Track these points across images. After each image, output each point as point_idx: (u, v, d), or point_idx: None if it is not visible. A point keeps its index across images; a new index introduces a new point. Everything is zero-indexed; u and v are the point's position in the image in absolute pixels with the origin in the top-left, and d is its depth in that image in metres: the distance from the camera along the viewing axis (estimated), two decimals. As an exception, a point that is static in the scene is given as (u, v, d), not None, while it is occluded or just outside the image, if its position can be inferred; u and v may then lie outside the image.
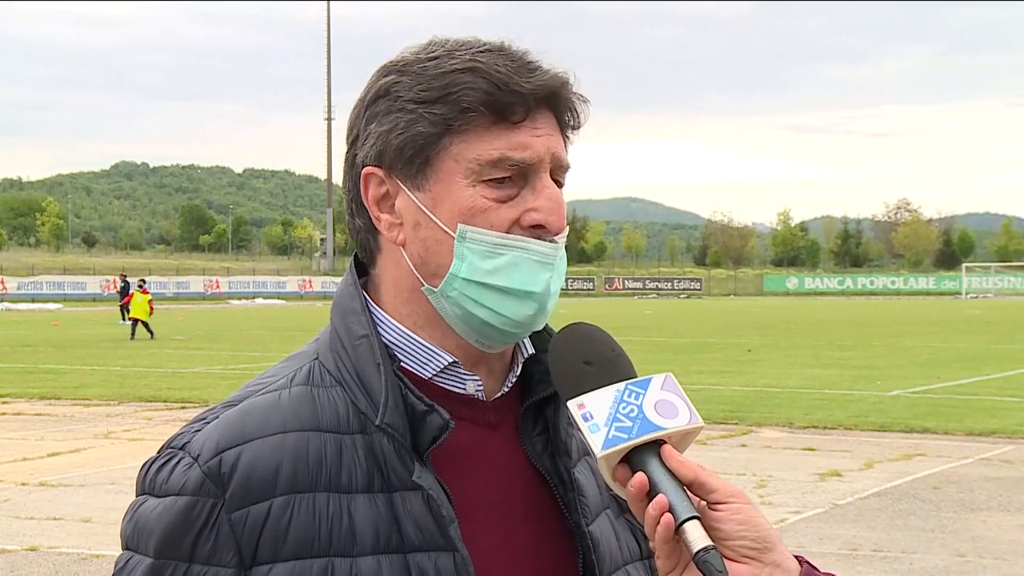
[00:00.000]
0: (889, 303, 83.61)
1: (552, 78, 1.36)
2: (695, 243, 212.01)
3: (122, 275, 57.01)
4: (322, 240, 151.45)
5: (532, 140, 1.34)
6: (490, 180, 1.33)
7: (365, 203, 1.39)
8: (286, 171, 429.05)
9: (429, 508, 1.31)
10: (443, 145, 1.34)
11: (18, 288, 78.86)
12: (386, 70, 1.38)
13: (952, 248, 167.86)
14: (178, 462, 1.32)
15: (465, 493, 1.34)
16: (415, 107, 1.34)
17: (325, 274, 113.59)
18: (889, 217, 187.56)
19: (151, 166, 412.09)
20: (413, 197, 1.36)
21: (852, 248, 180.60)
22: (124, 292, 51.92)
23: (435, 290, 1.36)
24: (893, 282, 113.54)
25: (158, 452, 1.36)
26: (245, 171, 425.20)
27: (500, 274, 1.34)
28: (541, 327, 1.40)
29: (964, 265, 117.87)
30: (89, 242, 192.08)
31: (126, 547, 1.34)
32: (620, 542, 1.46)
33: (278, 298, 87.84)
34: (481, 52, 1.35)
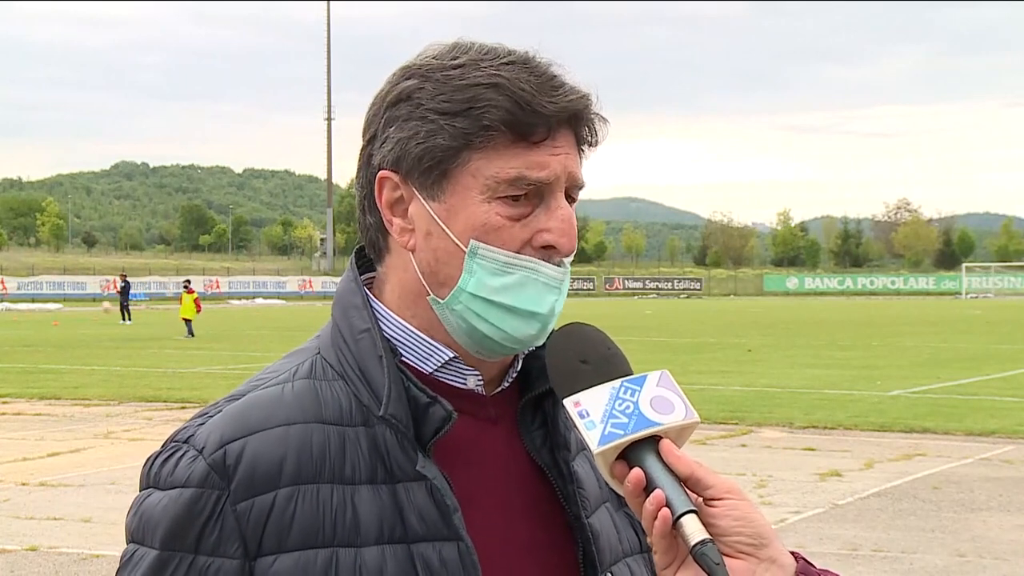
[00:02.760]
0: (889, 303, 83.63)
1: (574, 100, 1.36)
2: (695, 243, 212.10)
3: (122, 275, 57.11)
4: (322, 240, 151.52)
5: (550, 159, 1.35)
6: (505, 197, 1.34)
7: (378, 204, 1.40)
8: (286, 171, 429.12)
9: (432, 498, 1.33)
10: (462, 159, 1.34)
11: (18, 288, 78.88)
12: (408, 72, 1.38)
13: (952, 248, 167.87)
14: (182, 455, 1.33)
15: (466, 486, 1.35)
16: (436, 118, 1.34)
17: (325, 274, 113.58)
18: (889, 217, 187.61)
19: (151, 166, 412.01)
20: (427, 207, 1.36)
21: (852, 248, 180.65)
22: (124, 292, 52.08)
23: (440, 301, 1.37)
24: (893, 282, 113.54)
25: (162, 446, 1.37)
26: (245, 171, 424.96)
27: (507, 292, 1.35)
28: (541, 344, 1.41)
29: (964, 265, 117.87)
30: (89, 242, 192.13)
31: (131, 540, 1.35)
32: (620, 535, 1.48)
33: (278, 298, 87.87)
34: (506, 65, 1.35)
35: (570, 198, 1.39)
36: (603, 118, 1.40)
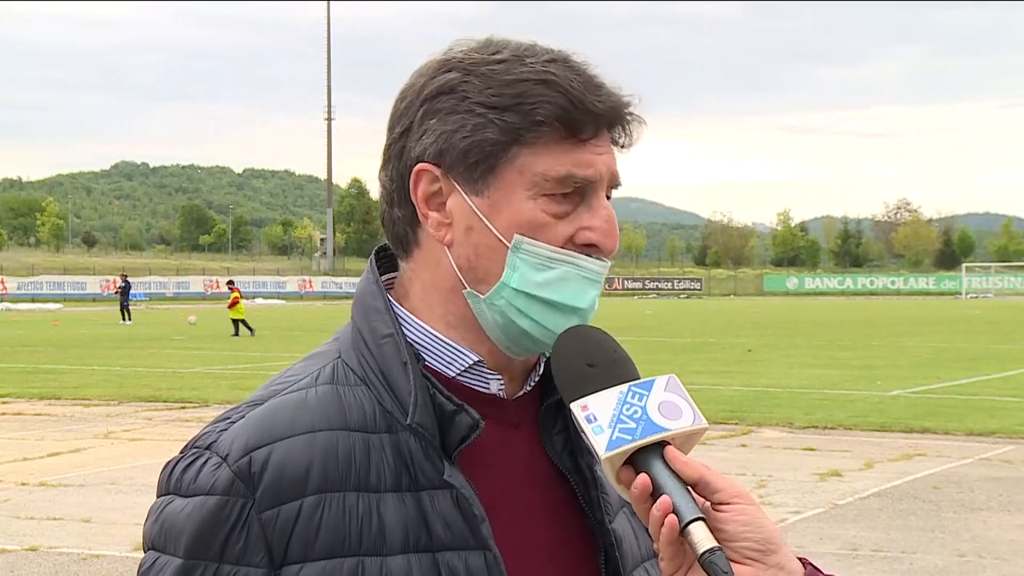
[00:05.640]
0: (889, 303, 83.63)
1: (620, 100, 1.36)
2: (695, 243, 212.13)
3: (123, 275, 57.15)
4: (322, 240, 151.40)
5: (595, 158, 1.35)
6: (551, 195, 1.33)
7: (413, 198, 1.37)
8: (286, 171, 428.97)
9: (459, 507, 1.31)
10: (510, 155, 1.33)
11: (18, 288, 78.87)
12: (448, 66, 1.36)
13: (952, 248, 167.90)
14: (206, 462, 1.31)
15: (489, 492, 1.34)
16: (485, 111, 1.32)
17: (325, 274, 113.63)
18: (889, 217, 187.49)
19: (151, 166, 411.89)
20: (470, 201, 1.35)
21: (852, 248, 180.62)
22: (125, 292, 52.09)
23: (480, 296, 1.35)
24: (893, 282, 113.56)
25: (182, 452, 1.35)
26: (245, 171, 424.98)
27: (550, 287, 1.34)
28: None
29: (964, 265, 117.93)
30: (89, 242, 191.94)
31: (152, 547, 1.32)
32: (639, 540, 1.46)
33: (278, 298, 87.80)
34: (549, 63, 1.34)
35: (607, 196, 1.38)
36: (641, 120, 1.39)
